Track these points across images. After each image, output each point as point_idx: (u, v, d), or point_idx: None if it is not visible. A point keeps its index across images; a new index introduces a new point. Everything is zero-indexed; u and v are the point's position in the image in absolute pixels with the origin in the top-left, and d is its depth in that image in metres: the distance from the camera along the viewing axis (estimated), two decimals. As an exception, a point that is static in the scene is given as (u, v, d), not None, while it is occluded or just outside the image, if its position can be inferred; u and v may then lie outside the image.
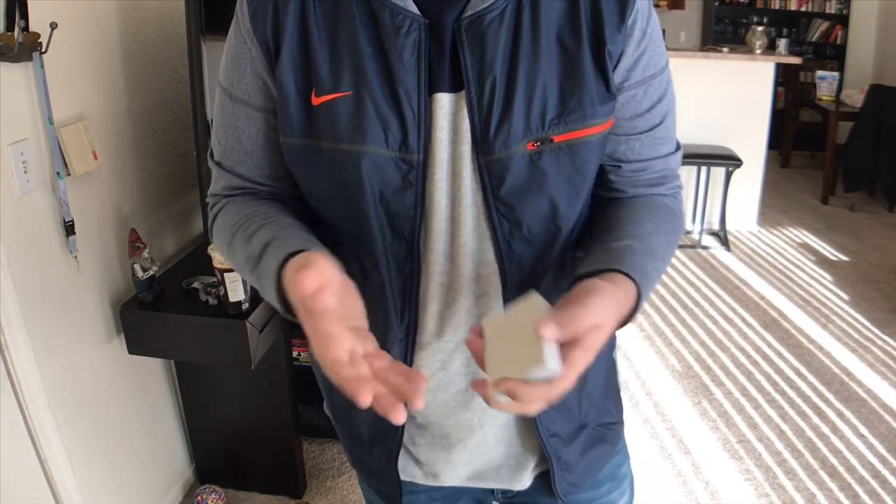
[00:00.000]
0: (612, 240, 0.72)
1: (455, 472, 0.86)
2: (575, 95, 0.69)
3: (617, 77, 0.72)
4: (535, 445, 0.85)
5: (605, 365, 0.89)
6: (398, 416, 0.53)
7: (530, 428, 0.83)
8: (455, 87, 0.70)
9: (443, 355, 0.78)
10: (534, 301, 0.61)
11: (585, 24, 0.69)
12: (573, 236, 0.78)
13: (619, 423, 0.93)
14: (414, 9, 0.68)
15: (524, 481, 0.88)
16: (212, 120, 0.85)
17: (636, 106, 0.75)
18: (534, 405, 0.58)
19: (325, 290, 0.55)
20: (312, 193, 0.77)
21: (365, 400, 0.53)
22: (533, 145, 0.69)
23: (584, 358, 0.57)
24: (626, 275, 0.65)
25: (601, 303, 0.60)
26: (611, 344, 0.90)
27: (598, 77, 0.70)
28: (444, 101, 0.70)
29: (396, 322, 0.76)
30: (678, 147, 0.82)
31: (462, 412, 0.81)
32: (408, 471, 0.88)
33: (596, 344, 0.58)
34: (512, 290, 0.75)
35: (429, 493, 0.92)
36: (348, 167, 0.70)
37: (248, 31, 0.73)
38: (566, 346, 0.58)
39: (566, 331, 0.57)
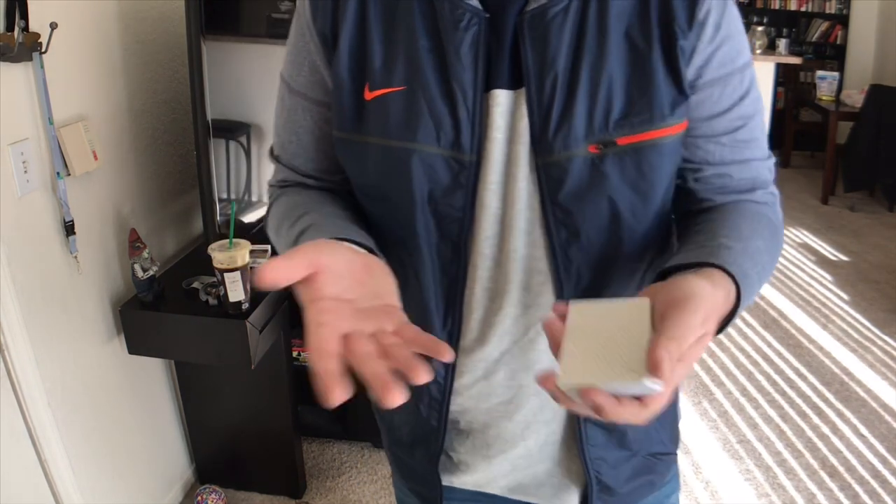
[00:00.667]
0: (705, 240, 0.65)
1: (496, 482, 0.83)
2: (643, 96, 0.65)
3: (689, 75, 0.67)
4: (579, 470, 0.80)
5: None
6: (390, 399, 0.45)
7: (577, 450, 0.79)
8: (514, 84, 0.67)
9: (486, 364, 0.75)
10: (641, 304, 0.53)
11: (656, 20, 0.65)
12: (639, 250, 0.72)
13: (671, 454, 0.87)
14: (475, 2, 0.65)
15: (567, 503, 0.83)
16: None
17: (713, 106, 0.69)
18: (618, 421, 0.49)
19: (316, 276, 0.50)
20: (361, 190, 0.75)
21: (332, 398, 0.45)
22: (595, 148, 0.65)
23: (683, 373, 0.50)
24: (724, 271, 0.58)
25: (704, 309, 0.52)
26: None
27: (669, 77, 0.65)
28: (501, 99, 0.67)
29: (439, 325, 0.74)
30: (769, 155, 0.76)
31: (504, 423, 0.78)
32: (448, 476, 0.85)
33: (697, 356, 0.51)
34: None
35: None
36: (397, 165, 0.67)
37: (308, 23, 0.72)
38: None
39: (675, 348, 0.48)
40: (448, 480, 0.85)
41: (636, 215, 0.69)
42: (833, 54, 5.96)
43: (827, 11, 5.99)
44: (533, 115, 0.66)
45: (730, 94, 0.69)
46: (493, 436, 0.79)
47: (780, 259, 4.28)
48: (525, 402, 0.77)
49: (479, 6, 0.66)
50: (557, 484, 0.82)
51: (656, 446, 0.84)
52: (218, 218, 1.86)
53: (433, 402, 0.78)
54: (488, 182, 0.68)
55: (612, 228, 0.69)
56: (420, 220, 0.69)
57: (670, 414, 0.86)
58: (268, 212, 0.83)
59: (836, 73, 5.12)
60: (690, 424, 2.51)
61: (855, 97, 4.82)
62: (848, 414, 2.55)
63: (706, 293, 0.53)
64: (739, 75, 0.69)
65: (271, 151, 0.83)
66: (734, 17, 0.68)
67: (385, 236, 0.74)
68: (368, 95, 0.68)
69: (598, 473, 0.79)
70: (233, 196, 1.98)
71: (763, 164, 0.75)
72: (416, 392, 0.78)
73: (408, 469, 0.89)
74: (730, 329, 3.12)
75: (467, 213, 0.69)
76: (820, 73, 5.16)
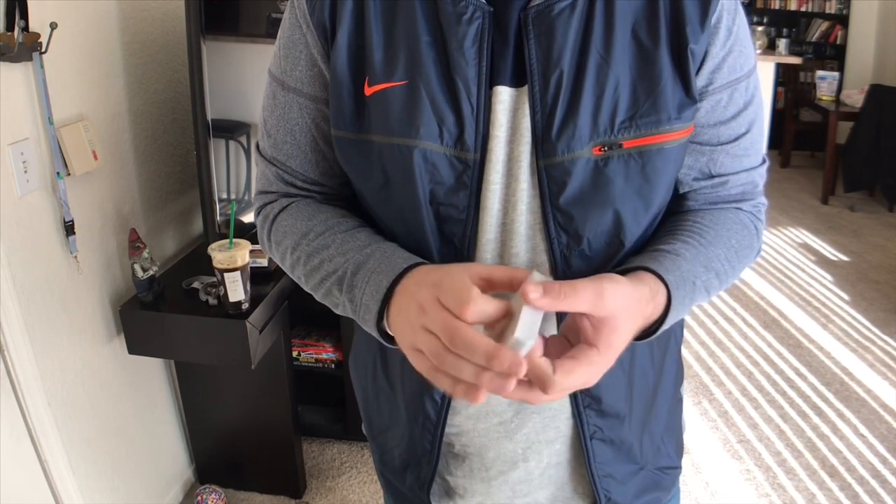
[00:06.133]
0: (665, 243, 0.67)
1: None
2: (650, 97, 0.63)
3: (701, 80, 0.65)
4: (586, 490, 0.77)
5: (669, 399, 0.81)
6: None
7: (583, 469, 0.76)
8: (517, 82, 0.64)
9: None
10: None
11: (664, 20, 0.63)
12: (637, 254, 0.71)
13: (677, 467, 0.85)
14: None
15: None
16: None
17: (721, 112, 0.68)
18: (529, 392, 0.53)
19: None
20: (363, 193, 0.72)
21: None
22: (599, 150, 0.63)
23: (590, 357, 0.53)
24: (659, 276, 0.60)
25: (611, 286, 0.54)
26: (677, 378, 0.83)
27: (677, 79, 0.64)
28: (504, 96, 0.64)
29: None
30: (764, 161, 0.75)
31: (505, 443, 0.74)
32: (443, 502, 0.81)
33: (607, 340, 0.53)
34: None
35: None
36: (399, 163, 0.65)
37: (305, 15, 0.69)
38: (570, 335, 0.56)
39: (556, 300, 0.51)
40: None
41: (638, 220, 0.68)
42: (833, 54, 5.96)
43: (827, 11, 5.99)
44: (536, 115, 0.63)
45: (737, 101, 0.68)
46: (491, 458, 0.76)
47: (780, 259, 4.25)
48: (527, 420, 0.73)
49: (483, 0, 0.64)
50: None
51: (663, 459, 0.82)
52: (218, 218, 1.86)
53: (427, 421, 0.75)
54: (489, 182, 0.66)
55: (613, 233, 0.67)
56: (425, 222, 0.67)
57: (675, 425, 0.85)
58: (268, 227, 0.77)
59: (836, 73, 5.12)
60: (690, 424, 2.51)
61: (855, 97, 4.82)
62: (848, 414, 2.55)
63: (620, 278, 0.57)
64: (746, 81, 0.68)
65: (258, 151, 0.79)
66: (744, 21, 0.67)
67: (389, 241, 0.71)
68: (368, 91, 0.66)
69: (607, 491, 0.77)
70: (233, 196, 1.98)
71: (757, 171, 0.74)
72: (411, 411, 0.76)
73: (397, 492, 0.85)
74: (730, 329, 3.14)
75: (471, 214, 0.66)
76: (820, 73, 5.17)
